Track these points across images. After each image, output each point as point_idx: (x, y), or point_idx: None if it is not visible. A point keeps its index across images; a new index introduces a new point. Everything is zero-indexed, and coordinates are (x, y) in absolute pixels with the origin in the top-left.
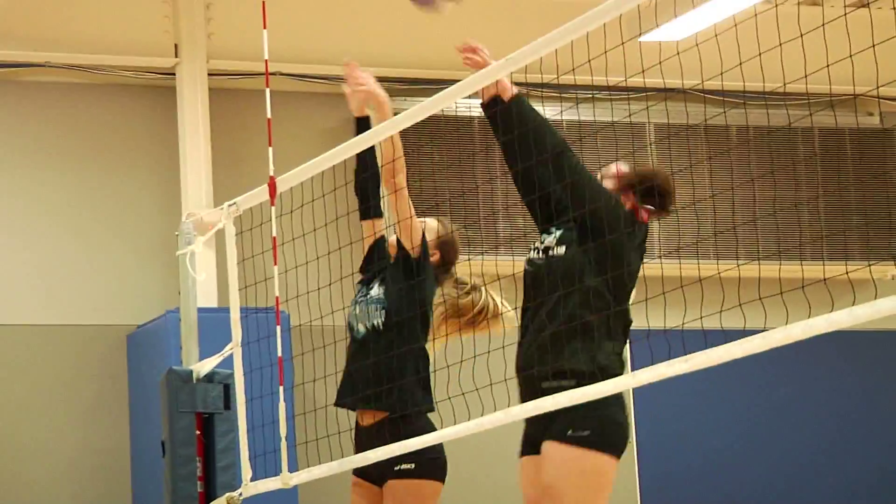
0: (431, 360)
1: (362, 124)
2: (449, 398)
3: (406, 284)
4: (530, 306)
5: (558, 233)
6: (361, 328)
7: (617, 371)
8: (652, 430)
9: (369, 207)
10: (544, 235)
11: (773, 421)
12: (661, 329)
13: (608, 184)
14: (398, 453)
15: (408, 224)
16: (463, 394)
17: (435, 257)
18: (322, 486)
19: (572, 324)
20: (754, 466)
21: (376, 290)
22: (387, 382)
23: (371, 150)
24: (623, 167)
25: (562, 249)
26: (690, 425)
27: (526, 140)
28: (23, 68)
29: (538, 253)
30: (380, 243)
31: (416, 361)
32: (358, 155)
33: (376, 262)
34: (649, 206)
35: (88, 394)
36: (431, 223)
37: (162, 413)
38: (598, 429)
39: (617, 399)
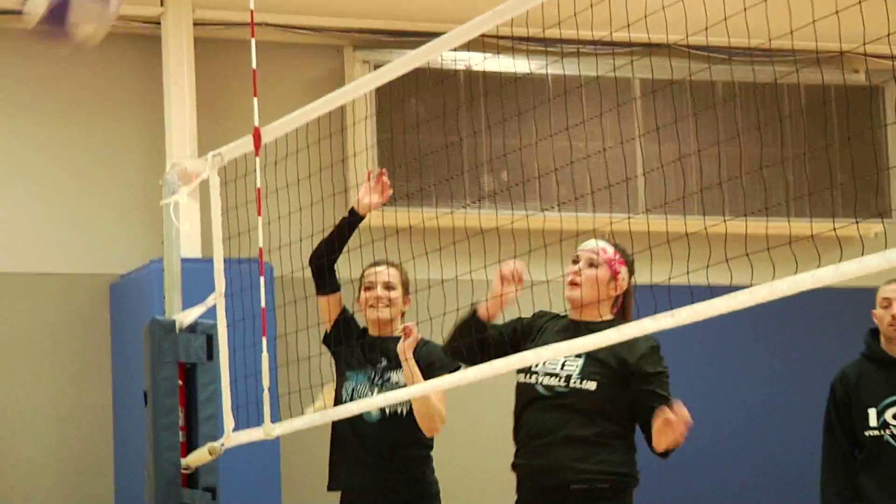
0: None
1: (354, 217)
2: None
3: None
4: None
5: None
6: (375, 413)
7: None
8: None
9: (326, 283)
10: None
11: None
12: (647, 284)
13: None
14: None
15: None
16: None
17: (409, 303)
18: (304, 437)
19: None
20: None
21: (397, 377)
22: (413, 480)
23: (339, 238)
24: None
25: (591, 384)
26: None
27: None
28: (2, 15)
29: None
30: (347, 318)
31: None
32: (325, 240)
33: (356, 341)
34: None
35: (71, 342)
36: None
37: (144, 363)
38: None
39: None
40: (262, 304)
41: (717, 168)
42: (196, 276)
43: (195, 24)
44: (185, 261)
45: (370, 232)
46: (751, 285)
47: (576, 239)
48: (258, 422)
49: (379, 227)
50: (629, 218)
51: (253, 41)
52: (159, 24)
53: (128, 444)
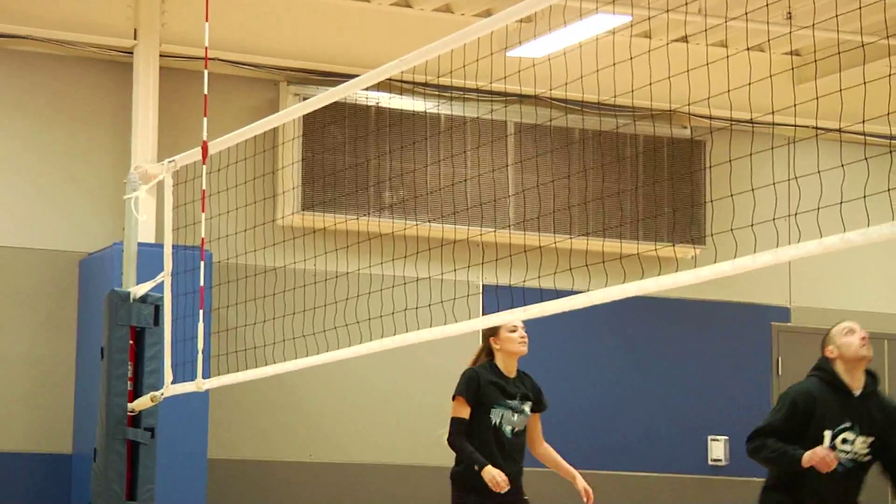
0: None
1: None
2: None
3: None
4: None
5: None
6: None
7: None
8: None
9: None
10: None
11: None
12: (506, 285)
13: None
14: None
15: None
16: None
17: None
18: (229, 392)
19: None
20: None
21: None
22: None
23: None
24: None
25: None
26: None
27: None
28: (9, 38)
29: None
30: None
31: None
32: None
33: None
34: None
35: (45, 306)
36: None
37: (103, 325)
38: None
39: None
40: (201, 282)
41: (567, 196)
42: (149, 258)
43: (161, 56)
44: (141, 245)
45: (292, 230)
46: (588, 290)
47: (453, 245)
48: (192, 377)
49: (299, 227)
50: (495, 231)
51: (206, 72)
52: (131, 53)
53: (86, 390)
